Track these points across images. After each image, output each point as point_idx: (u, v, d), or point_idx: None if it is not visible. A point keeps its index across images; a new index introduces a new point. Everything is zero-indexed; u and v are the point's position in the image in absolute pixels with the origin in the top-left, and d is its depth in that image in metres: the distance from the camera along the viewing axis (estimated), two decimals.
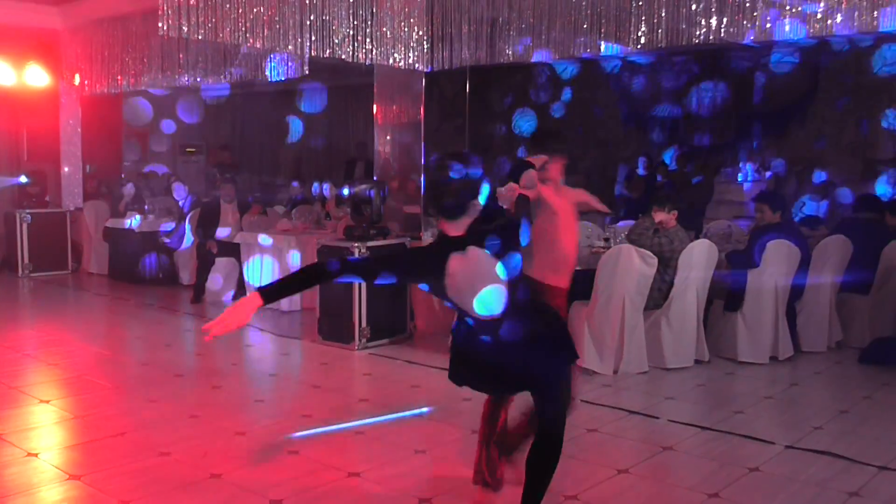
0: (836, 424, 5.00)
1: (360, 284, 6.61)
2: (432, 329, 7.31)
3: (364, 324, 6.77)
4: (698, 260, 6.24)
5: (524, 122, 13.07)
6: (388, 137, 8.80)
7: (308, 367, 6.50)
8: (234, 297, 9.06)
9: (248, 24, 6.93)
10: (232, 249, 9.02)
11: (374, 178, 8.54)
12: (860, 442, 4.64)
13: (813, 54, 10.11)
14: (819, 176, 10.26)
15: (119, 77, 10.11)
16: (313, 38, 7.37)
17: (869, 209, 7.50)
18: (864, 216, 7.42)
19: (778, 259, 6.40)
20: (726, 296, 6.64)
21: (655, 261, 6.05)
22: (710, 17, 6.62)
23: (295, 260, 8.56)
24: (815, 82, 10.41)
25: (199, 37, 6.71)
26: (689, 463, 4.35)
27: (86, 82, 10.71)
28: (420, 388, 5.88)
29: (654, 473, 4.21)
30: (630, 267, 5.97)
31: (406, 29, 7.80)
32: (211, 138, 16.55)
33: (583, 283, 6.40)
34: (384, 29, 7.72)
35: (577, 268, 6.60)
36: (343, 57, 7.66)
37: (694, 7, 6.63)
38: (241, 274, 9.01)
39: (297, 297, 8.50)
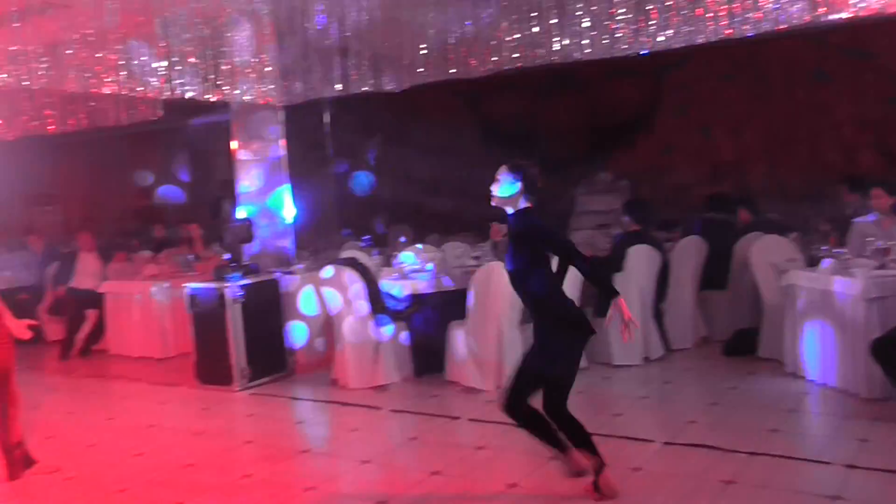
0: (708, 417, 5.28)
1: (234, 323, 6.48)
2: (313, 363, 7.22)
3: (244, 363, 6.59)
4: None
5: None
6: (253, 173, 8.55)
7: (187, 413, 6.25)
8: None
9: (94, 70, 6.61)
10: (95, 300, 8.60)
11: (243, 216, 8.30)
12: (731, 431, 4.90)
13: (651, 67, 10.70)
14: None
15: None
16: (159, 81, 7.06)
17: (718, 209, 7.99)
18: (714, 216, 7.91)
19: (640, 264, 6.72)
20: (596, 302, 6.87)
21: None
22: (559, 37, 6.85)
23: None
24: (657, 94, 11.07)
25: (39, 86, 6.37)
26: None
27: None
28: (305, 423, 5.78)
29: (544, 484, 4.30)
30: (501, 284, 6.09)
31: (256, 63, 7.58)
32: (65, 186, 15.71)
33: (458, 302, 6.50)
34: (234, 65, 7.48)
35: (451, 287, 6.76)
36: (194, 96, 7.38)
37: (537, 29, 6.86)
38: (102, 325, 8.60)
39: (170, 343, 8.20)
